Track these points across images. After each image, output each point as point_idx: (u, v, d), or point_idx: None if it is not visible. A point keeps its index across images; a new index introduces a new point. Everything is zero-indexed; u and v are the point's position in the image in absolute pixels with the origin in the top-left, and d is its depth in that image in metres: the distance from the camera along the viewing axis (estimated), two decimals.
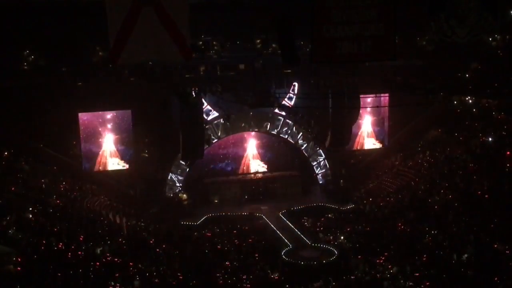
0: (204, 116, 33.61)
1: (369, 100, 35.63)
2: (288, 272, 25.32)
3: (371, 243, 27.72)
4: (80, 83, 34.67)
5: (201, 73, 36.99)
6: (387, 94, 35.18)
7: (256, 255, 26.80)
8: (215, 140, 37.39)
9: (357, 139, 38.01)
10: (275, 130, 38.40)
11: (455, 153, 34.81)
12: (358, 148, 39.12)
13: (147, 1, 10.77)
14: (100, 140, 35.03)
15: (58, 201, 28.97)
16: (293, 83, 37.71)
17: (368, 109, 36.03)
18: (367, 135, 38.74)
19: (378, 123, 38.83)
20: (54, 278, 20.14)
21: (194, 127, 24.48)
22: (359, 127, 37.39)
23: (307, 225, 32.67)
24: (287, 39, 12.34)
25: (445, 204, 29.83)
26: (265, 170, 39.72)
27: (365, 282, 23.62)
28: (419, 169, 35.76)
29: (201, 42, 34.67)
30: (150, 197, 35.60)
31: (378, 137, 38.94)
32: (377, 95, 34.73)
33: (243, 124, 37.81)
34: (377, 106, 35.81)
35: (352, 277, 24.16)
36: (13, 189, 27.71)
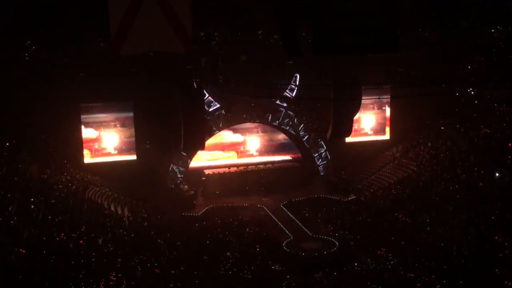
0: (206, 107, 33.63)
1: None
2: (289, 263, 25.41)
3: (372, 234, 27.80)
4: (81, 74, 34.64)
5: (203, 64, 36.89)
6: (389, 86, 35.10)
7: (257, 246, 26.87)
8: (216, 131, 37.40)
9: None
10: (277, 121, 38.36)
11: (457, 145, 34.79)
12: None
13: None
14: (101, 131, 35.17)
15: (59, 192, 29.02)
16: (295, 75, 37.65)
17: None
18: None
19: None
20: (56, 269, 20.23)
21: (195, 118, 24.47)
22: None
23: (308, 216, 32.70)
24: (289, 30, 12.29)
25: (446, 196, 29.87)
26: (267, 161, 39.72)
27: (366, 273, 23.71)
28: (421, 161, 35.76)
29: (202, 34, 34.55)
30: (152, 188, 35.63)
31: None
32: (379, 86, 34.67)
33: (244, 115, 37.76)
34: (379, 98, 35.72)
35: (353, 269, 24.25)
36: (15, 179, 27.76)
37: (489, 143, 32.88)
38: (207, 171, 38.33)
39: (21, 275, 18.85)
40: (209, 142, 35.94)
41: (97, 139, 35.74)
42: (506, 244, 23.09)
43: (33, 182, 28.77)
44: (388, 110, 39.69)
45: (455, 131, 36.44)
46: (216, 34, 36.51)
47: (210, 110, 36.45)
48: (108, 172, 35.69)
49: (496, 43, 35.25)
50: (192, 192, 36.34)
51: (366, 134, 39.93)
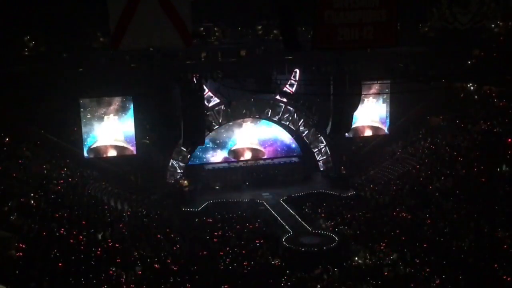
0: (205, 102, 33.61)
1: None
2: (288, 258, 25.43)
3: (372, 230, 27.79)
4: (81, 69, 34.60)
5: (202, 59, 36.80)
6: (388, 81, 35.07)
7: (257, 241, 26.89)
8: (216, 127, 37.38)
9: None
10: (276, 117, 38.32)
11: (456, 140, 34.79)
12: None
13: None
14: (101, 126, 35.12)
15: (59, 187, 29.03)
16: (295, 70, 37.56)
17: None
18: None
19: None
20: (56, 264, 20.27)
21: (195, 113, 24.52)
22: None
23: (308, 211, 32.71)
24: (288, 25, 12.27)
25: (446, 191, 29.89)
26: (266, 156, 39.72)
27: (365, 268, 23.73)
28: (420, 156, 35.75)
29: (202, 28, 34.54)
30: (151, 183, 35.64)
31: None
32: (379, 81, 34.65)
33: (244, 111, 37.71)
34: (379, 93, 35.70)
35: (353, 264, 24.27)
36: (14, 175, 27.78)
37: (489, 138, 32.87)
38: (207, 166, 38.37)
39: (21, 270, 18.88)
40: None
41: (96, 134, 35.64)
42: (506, 239, 23.13)
43: (33, 177, 28.78)
44: (388, 105, 39.62)
45: (454, 126, 36.43)
46: (215, 29, 36.47)
47: (210, 105, 36.39)
48: (107, 167, 35.69)
49: (496, 38, 35.18)
50: (192, 187, 36.36)
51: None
